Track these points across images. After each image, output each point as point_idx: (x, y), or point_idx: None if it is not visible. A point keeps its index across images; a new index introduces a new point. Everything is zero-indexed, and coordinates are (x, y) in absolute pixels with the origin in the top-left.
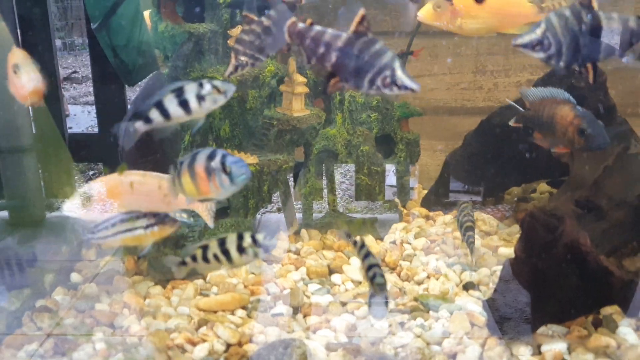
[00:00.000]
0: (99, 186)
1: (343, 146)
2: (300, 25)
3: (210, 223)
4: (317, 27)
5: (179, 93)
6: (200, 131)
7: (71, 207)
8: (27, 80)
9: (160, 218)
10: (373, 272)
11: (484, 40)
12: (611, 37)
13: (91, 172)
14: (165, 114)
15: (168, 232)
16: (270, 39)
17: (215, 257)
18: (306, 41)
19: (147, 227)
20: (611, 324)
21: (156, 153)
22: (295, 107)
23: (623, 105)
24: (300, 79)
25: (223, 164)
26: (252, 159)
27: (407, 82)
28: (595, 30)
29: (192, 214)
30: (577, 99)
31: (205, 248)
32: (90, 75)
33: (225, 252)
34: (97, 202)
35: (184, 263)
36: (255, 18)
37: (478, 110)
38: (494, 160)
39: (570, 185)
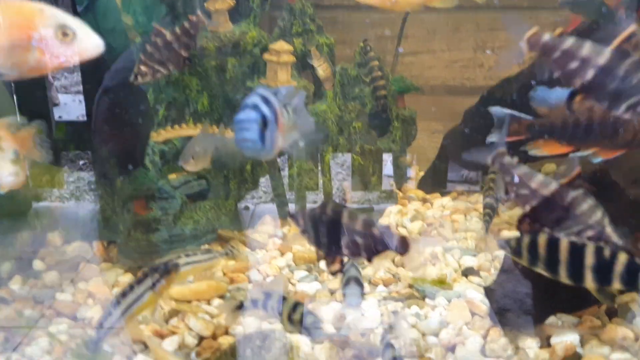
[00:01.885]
0: None
1: (334, 123)
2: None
3: None
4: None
5: None
6: (176, 105)
7: None
8: (89, 44)
9: (162, 269)
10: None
11: (484, 15)
12: (352, 237)
13: (81, 162)
14: None
15: (174, 280)
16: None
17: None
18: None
19: (154, 285)
20: (627, 313)
21: (125, 127)
22: (280, 78)
23: None
24: (286, 47)
25: None
26: (233, 135)
27: None
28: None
29: (170, 194)
30: None
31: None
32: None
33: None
34: None
35: (241, 306)
36: (163, 31)
37: (478, 90)
38: None
39: (583, 159)
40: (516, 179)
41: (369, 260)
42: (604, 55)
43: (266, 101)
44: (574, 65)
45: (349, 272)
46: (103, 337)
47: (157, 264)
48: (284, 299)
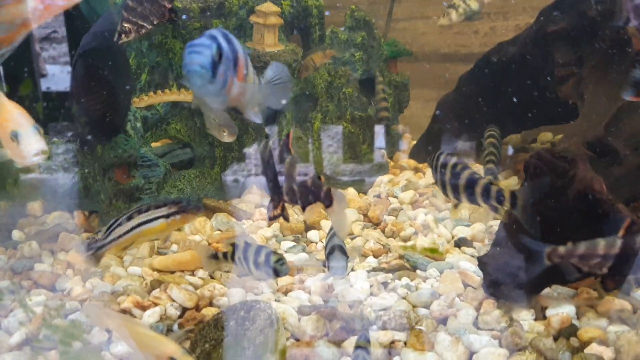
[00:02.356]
0: None
1: (323, 89)
2: None
3: None
4: None
5: None
6: (159, 70)
7: None
8: None
9: (183, 205)
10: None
11: None
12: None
13: (70, 133)
14: None
15: (191, 220)
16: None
17: (239, 260)
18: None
19: (168, 216)
20: (625, 285)
21: (104, 90)
22: (267, 41)
23: None
24: (274, 8)
25: None
26: None
27: None
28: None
29: (153, 162)
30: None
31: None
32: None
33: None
34: None
35: (215, 257)
36: None
37: (473, 57)
38: (491, 103)
39: (581, 125)
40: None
41: (303, 209)
42: None
43: (227, 39)
44: None
45: (332, 240)
46: (108, 245)
47: (180, 199)
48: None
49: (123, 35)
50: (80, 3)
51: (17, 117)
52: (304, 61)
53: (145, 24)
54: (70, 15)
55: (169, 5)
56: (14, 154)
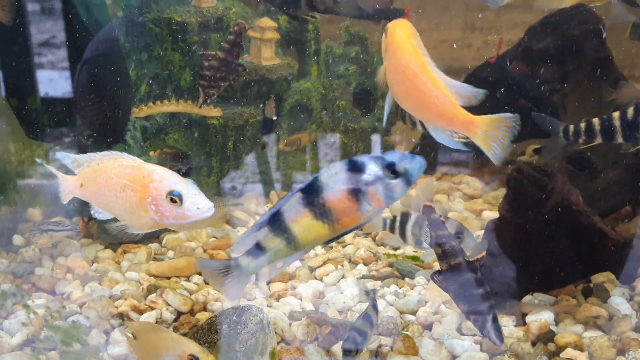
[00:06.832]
0: None
1: (318, 101)
2: None
3: None
4: None
5: None
6: (159, 81)
7: None
8: None
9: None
10: None
11: None
12: None
13: (67, 139)
14: None
15: None
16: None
17: None
18: None
19: None
20: (602, 293)
21: (106, 99)
22: (264, 55)
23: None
24: (270, 23)
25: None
26: (215, 112)
27: None
28: None
29: None
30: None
31: None
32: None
33: None
34: None
35: None
36: (212, 53)
37: (466, 71)
38: None
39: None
40: None
41: None
42: None
43: None
44: None
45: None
46: None
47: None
48: None
49: (207, 100)
50: (80, 10)
51: (170, 177)
52: (291, 137)
53: (224, 84)
54: (70, 22)
55: (237, 61)
56: (168, 217)
